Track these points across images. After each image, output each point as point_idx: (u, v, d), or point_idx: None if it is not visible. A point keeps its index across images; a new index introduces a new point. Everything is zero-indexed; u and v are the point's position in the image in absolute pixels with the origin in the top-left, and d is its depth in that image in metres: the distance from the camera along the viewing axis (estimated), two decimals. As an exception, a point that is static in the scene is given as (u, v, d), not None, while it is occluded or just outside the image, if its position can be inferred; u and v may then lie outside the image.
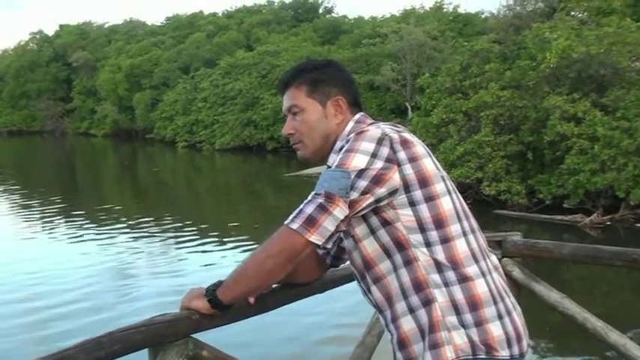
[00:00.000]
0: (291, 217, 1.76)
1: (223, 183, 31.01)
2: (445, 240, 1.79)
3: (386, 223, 1.81)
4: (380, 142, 1.78)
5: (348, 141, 1.83)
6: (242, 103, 43.52)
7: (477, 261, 1.82)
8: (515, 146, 18.66)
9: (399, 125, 1.92)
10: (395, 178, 1.76)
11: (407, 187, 1.78)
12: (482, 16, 41.98)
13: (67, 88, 71.44)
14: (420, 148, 1.83)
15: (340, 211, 1.73)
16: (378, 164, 1.75)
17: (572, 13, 28.36)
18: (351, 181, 1.73)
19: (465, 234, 1.83)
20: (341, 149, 1.85)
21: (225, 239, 15.72)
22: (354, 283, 2.05)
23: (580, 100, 18.23)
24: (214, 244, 15.30)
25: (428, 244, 1.79)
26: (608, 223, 16.39)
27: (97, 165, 42.64)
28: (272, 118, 40.33)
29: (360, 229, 1.85)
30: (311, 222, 1.72)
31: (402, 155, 1.78)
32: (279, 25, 59.44)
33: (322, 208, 1.72)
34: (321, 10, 63.76)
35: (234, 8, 69.93)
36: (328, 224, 1.73)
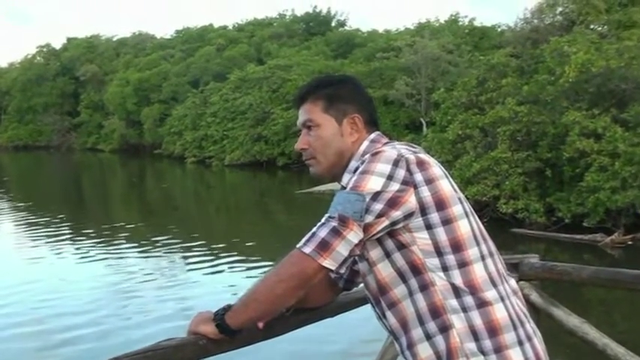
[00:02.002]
0: (303, 240, 1.77)
1: (233, 200, 31.05)
2: (463, 264, 1.78)
3: (401, 247, 1.81)
4: (396, 163, 1.78)
5: (363, 162, 1.83)
6: (252, 118, 43.70)
7: (495, 285, 1.81)
8: (533, 163, 18.62)
9: (415, 145, 1.93)
10: (411, 201, 1.76)
11: (423, 210, 1.77)
12: (499, 30, 41.96)
13: (74, 103, 71.98)
14: (436, 169, 1.83)
15: (354, 235, 1.73)
16: (394, 186, 1.75)
17: (592, 26, 28.38)
18: (366, 204, 1.73)
19: (482, 257, 1.82)
20: (356, 170, 1.85)
21: (234, 259, 15.72)
22: (367, 307, 2.04)
23: (600, 116, 18.19)
24: (224, 264, 15.28)
25: (445, 269, 1.78)
26: (630, 242, 16.24)
27: (104, 181, 42.83)
28: (283, 134, 40.46)
29: (375, 253, 1.85)
30: (324, 246, 1.73)
31: (418, 177, 1.78)
32: (291, 39, 59.72)
33: (336, 232, 1.72)
34: (333, 24, 64.07)
35: (245, 21, 70.42)
36: (342, 249, 1.73)
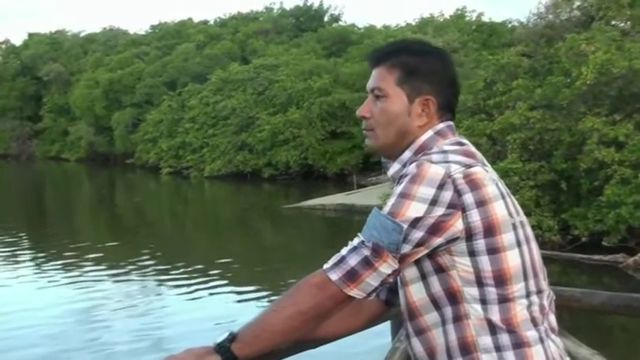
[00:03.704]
0: (330, 263, 1.77)
1: (213, 216, 31.04)
2: (504, 300, 1.78)
3: (440, 270, 1.80)
4: (441, 186, 1.74)
5: (412, 162, 1.81)
6: (235, 123, 43.74)
7: (536, 325, 1.82)
8: (546, 175, 18.68)
9: (475, 152, 1.89)
10: (457, 226, 1.74)
11: (469, 236, 1.76)
12: (509, 26, 42.16)
13: (36, 106, 71.78)
14: (491, 188, 1.79)
15: (388, 266, 1.73)
16: (438, 211, 1.72)
17: (613, 22, 28.45)
18: (403, 235, 1.72)
19: (528, 295, 1.82)
20: (405, 165, 1.87)
21: (215, 284, 15.73)
22: None
23: (621, 122, 18.28)
24: (203, 289, 15.28)
25: (483, 301, 1.78)
26: (656, 264, 16.32)
27: (69, 194, 42.64)
28: (269, 142, 40.50)
29: (409, 272, 1.84)
30: (353, 276, 1.73)
31: (468, 199, 1.75)
32: (279, 35, 59.87)
33: (367, 263, 1.73)
34: (326, 18, 64.25)
35: (228, 15, 70.61)
36: (372, 280, 1.74)
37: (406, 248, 1.73)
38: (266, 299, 13.92)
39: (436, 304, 1.82)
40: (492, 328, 1.77)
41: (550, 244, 17.83)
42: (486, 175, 1.80)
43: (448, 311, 1.80)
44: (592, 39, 22.16)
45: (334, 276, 1.74)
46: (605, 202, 17.17)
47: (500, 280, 1.77)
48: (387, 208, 1.76)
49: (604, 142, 17.83)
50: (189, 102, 48.93)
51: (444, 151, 1.84)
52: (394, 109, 1.94)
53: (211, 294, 14.91)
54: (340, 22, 63.88)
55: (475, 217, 1.74)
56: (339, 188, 33.05)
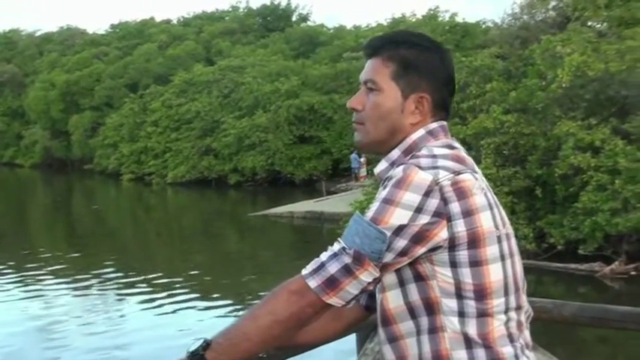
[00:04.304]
0: (309, 269, 1.76)
1: (177, 224, 30.91)
2: (482, 314, 1.79)
3: (419, 278, 1.80)
4: (428, 193, 1.72)
5: (400, 165, 1.79)
6: (200, 127, 43.61)
7: (512, 341, 1.83)
8: (521, 181, 18.79)
9: (465, 157, 1.87)
10: (441, 235, 1.73)
11: (453, 246, 1.75)
12: (484, 27, 42.46)
13: (-12, 109, 71.10)
14: (479, 198, 1.78)
15: (368, 275, 1.73)
16: (423, 219, 1.71)
17: (589, 23, 28.76)
18: (387, 243, 1.72)
19: (507, 311, 1.82)
20: (393, 163, 1.87)
21: (180, 295, 15.66)
22: None
23: (598, 127, 18.39)
24: (167, 300, 15.22)
25: (461, 314, 1.78)
26: (633, 272, 16.46)
27: (23, 202, 42.28)
28: (235, 146, 40.41)
29: (388, 278, 1.83)
30: (332, 284, 1.73)
31: (455, 208, 1.73)
32: (245, 35, 59.83)
33: (348, 271, 1.72)
34: (294, 18, 64.37)
35: (192, 14, 70.52)
36: (352, 288, 1.74)
37: (388, 257, 1.72)
38: (233, 313, 13.89)
39: (412, 313, 1.81)
40: (468, 343, 1.77)
41: (525, 253, 17.91)
42: (475, 183, 1.79)
43: (424, 321, 1.80)
44: (568, 40, 22.28)
45: (313, 283, 1.73)
46: (581, 209, 17.24)
47: (481, 294, 1.77)
48: (370, 214, 1.74)
49: (580, 148, 17.93)
50: (151, 105, 48.73)
51: (434, 156, 1.82)
52: (387, 104, 1.92)
53: (176, 309, 14.83)
54: (309, 22, 64.05)
55: (460, 227, 1.74)
56: (308, 195, 33.06)
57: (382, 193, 1.76)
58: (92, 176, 52.29)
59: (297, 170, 39.66)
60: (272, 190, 38.43)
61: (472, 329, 1.77)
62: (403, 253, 1.73)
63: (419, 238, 1.72)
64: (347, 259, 1.72)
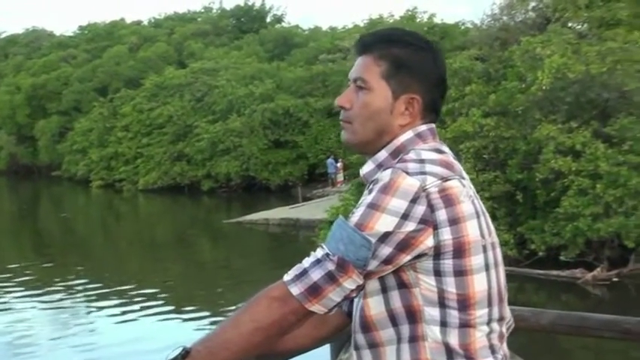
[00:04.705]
0: (291, 275, 1.76)
1: (148, 233, 30.79)
2: (465, 324, 1.79)
3: (402, 286, 1.80)
4: (415, 200, 1.72)
5: (387, 169, 1.78)
6: (172, 132, 43.54)
7: (493, 352, 1.84)
8: (501, 185, 18.87)
9: (454, 162, 1.87)
10: (426, 243, 1.73)
11: (438, 254, 1.75)
12: (463, 28, 42.77)
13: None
14: (466, 205, 1.78)
15: (352, 282, 1.73)
16: (409, 226, 1.71)
17: (569, 24, 28.98)
18: (372, 251, 1.71)
19: (490, 322, 1.83)
20: (380, 165, 1.86)
21: (153, 306, 15.61)
22: None
23: (579, 130, 18.48)
24: (141, 313, 15.16)
25: (443, 324, 1.78)
26: (615, 279, 16.56)
27: (-12, 210, 41.98)
28: (209, 152, 40.34)
29: (370, 284, 1.82)
30: (315, 291, 1.73)
31: (441, 215, 1.73)
32: (218, 37, 59.76)
33: (331, 278, 1.72)
34: (269, 19, 64.41)
35: (163, 15, 70.37)
36: (335, 295, 1.74)
37: (373, 264, 1.72)
38: (209, 325, 13.87)
39: (394, 320, 1.81)
40: (449, 353, 1.78)
41: (506, 260, 17.80)
42: (462, 190, 1.78)
43: (405, 330, 1.80)
44: (548, 42, 22.38)
45: (295, 290, 1.73)
46: (562, 214, 17.34)
47: (464, 304, 1.78)
48: (354, 219, 1.74)
49: (561, 151, 18.03)
50: (121, 109, 48.57)
51: (421, 160, 1.81)
52: (376, 104, 1.91)
53: (150, 321, 14.79)
54: (283, 23, 64.15)
55: (446, 235, 1.74)
56: (283, 201, 33.07)
57: (368, 198, 1.75)
58: (60, 183, 51.99)
59: (272, 176, 39.64)
60: (247, 196, 38.40)
61: (454, 339, 1.78)
62: (388, 261, 1.72)
63: (404, 245, 1.72)
64: (331, 266, 1.72)
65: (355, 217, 1.74)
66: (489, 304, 1.81)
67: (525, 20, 30.93)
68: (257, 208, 30.94)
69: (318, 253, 1.75)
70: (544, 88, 19.49)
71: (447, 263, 1.75)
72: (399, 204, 1.71)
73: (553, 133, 18.29)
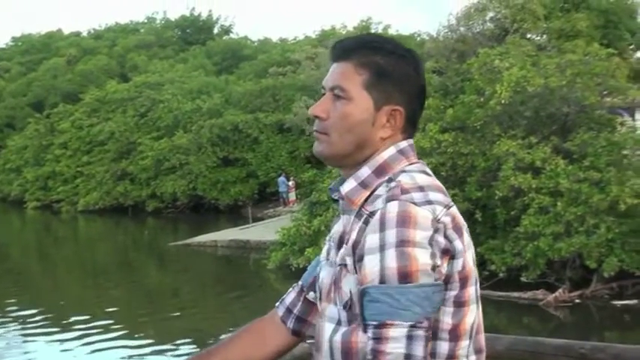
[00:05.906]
0: None
1: (89, 257, 30.53)
2: (451, 356, 1.80)
3: None
4: (436, 230, 1.70)
5: (377, 186, 1.80)
6: (114, 149, 43.27)
7: None
8: (460, 204, 18.96)
9: (443, 187, 1.84)
10: (444, 273, 1.72)
11: (445, 284, 1.73)
12: (418, 39, 43.12)
13: None
14: (467, 236, 1.78)
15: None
16: (436, 258, 1.70)
17: (528, 35, 29.43)
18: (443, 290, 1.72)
19: (469, 354, 1.83)
20: (363, 184, 1.83)
21: (93, 332, 15.51)
22: None
23: (538, 145, 18.73)
24: (79, 339, 15.06)
25: (433, 355, 1.77)
26: (578, 300, 16.79)
27: None
28: (153, 170, 40.15)
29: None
30: None
31: (458, 246, 1.73)
32: (163, 49, 59.61)
33: (428, 340, 1.70)
34: (216, 30, 64.45)
35: (104, 26, 69.89)
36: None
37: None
38: (152, 353, 13.81)
39: None
40: None
41: (465, 281, 18.13)
42: (461, 217, 1.79)
43: None
44: (506, 54, 22.51)
45: None
46: (522, 233, 17.46)
47: (455, 334, 1.77)
48: (394, 271, 1.68)
49: (520, 168, 18.20)
50: (59, 125, 48.17)
51: (421, 188, 1.77)
52: (357, 115, 1.84)
53: (91, 350, 14.63)
54: (232, 35, 64.29)
55: (458, 266, 1.73)
56: (233, 222, 32.98)
57: (387, 238, 1.69)
58: (-8, 205, 51.37)
59: (221, 195, 39.49)
60: (194, 217, 38.24)
61: None
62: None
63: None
64: (424, 333, 1.68)
65: (393, 266, 1.68)
66: (471, 336, 1.81)
67: (483, 31, 31.22)
68: (205, 229, 30.84)
69: (398, 332, 1.67)
70: (503, 102, 19.52)
71: (451, 294, 1.74)
72: (424, 235, 1.68)
73: (513, 148, 18.42)
